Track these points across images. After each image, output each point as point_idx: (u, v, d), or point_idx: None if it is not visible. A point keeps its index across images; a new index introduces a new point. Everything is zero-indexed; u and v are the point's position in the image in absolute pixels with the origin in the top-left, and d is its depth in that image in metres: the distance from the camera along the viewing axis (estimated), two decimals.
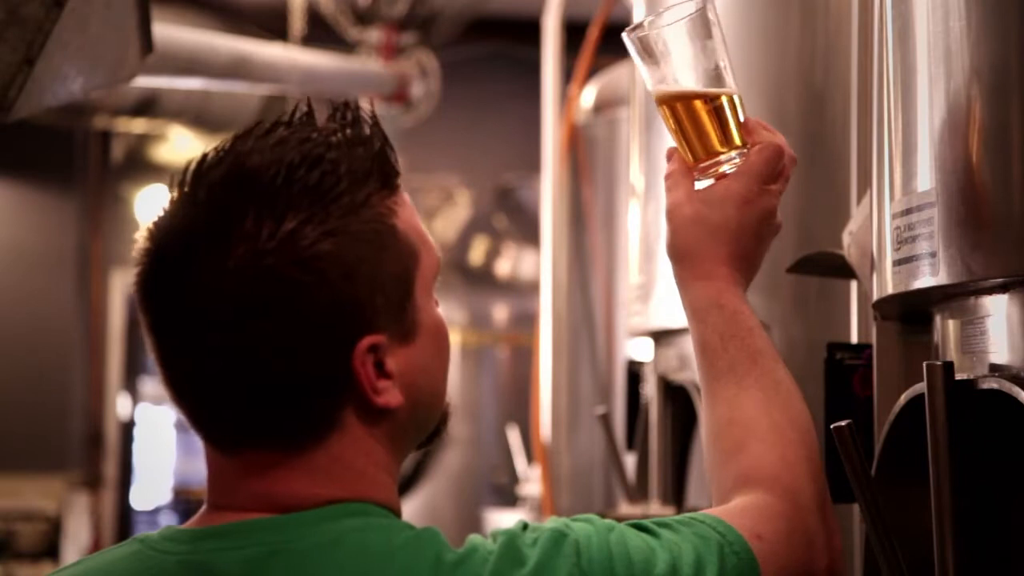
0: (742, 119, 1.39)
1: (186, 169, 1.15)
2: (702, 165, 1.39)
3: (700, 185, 1.39)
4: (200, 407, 1.15)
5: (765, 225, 1.38)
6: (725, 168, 1.38)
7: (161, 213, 1.15)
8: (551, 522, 1.16)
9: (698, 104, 1.38)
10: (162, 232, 1.15)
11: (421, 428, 1.21)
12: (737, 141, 1.39)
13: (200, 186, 1.13)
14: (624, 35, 1.38)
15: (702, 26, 1.37)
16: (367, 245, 1.13)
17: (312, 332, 1.11)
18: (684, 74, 1.38)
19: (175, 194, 1.15)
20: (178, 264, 1.12)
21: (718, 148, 1.39)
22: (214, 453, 1.17)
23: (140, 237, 1.16)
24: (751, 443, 1.29)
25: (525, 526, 1.15)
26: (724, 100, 1.38)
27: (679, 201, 1.38)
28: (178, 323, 1.13)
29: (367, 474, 1.15)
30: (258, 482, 1.14)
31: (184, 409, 1.16)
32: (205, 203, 1.13)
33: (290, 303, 1.10)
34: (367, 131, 1.17)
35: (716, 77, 1.38)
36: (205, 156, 1.15)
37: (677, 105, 1.39)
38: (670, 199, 1.39)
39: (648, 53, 1.37)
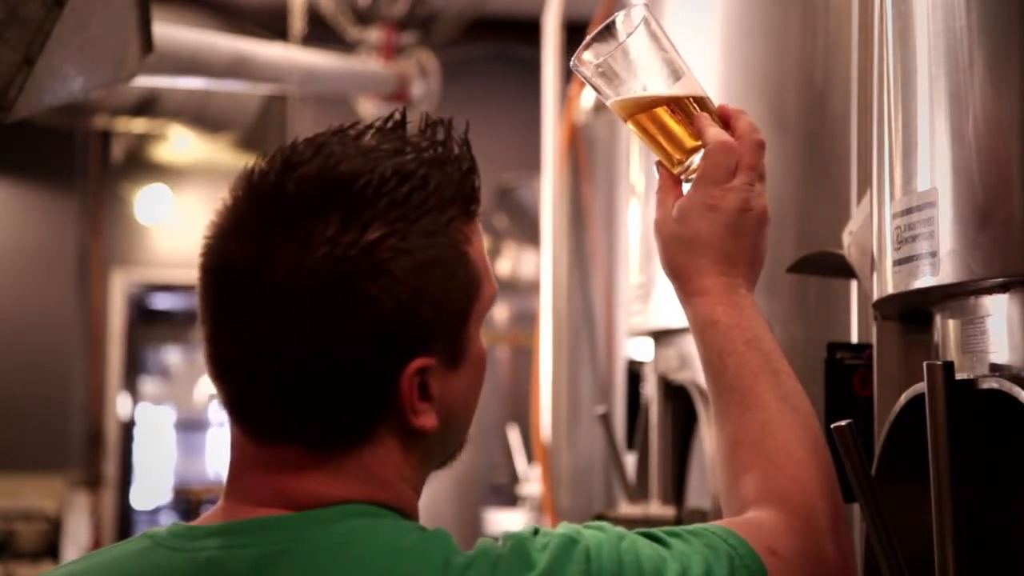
0: (703, 116, 1.37)
1: (273, 157, 1.14)
2: (676, 171, 1.39)
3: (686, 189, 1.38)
4: (243, 395, 1.15)
5: (744, 222, 1.34)
6: (694, 165, 1.38)
7: (240, 193, 1.14)
8: (562, 528, 1.16)
9: (642, 116, 1.37)
10: (243, 213, 1.13)
11: (445, 451, 1.22)
12: (688, 144, 1.37)
13: (289, 178, 1.12)
14: (575, 66, 1.38)
15: (647, 36, 1.36)
16: (439, 269, 1.14)
17: (370, 344, 1.11)
18: (628, 87, 1.37)
19: (258, 180, 1.14)
20: (256, 247, 1.11)
21: (676, 154, 1.38)
22: (243, 440, 1.16)
23: (215, 211, 1.15)
24: (757, 466, 1.27)
25: (536, 531, 1.15)
26: (663, 109, 1.37)
27: (659, 219, 1.37)
28: (240, 302, 1.12)
29: (391, 485, 1.16)
30: (281, 478, 1.14)
31: (224, 389, 1.15)
32: (293, 196, 1.12)
33: (356, 312, 1.10)
34: (456, 151, 1.17)
35: (675, 81, 1.37)
36: (296, 146, 1.14)
37: (631, 117, 1.38)
38: (655, 217, 1.38)
39: (596, 76, 1.37)
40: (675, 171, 1.39)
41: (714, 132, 1.35)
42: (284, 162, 1.13)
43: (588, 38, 1.37)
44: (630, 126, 1.40)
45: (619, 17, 1.36)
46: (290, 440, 1.14)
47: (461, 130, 1.18)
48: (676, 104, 1.37)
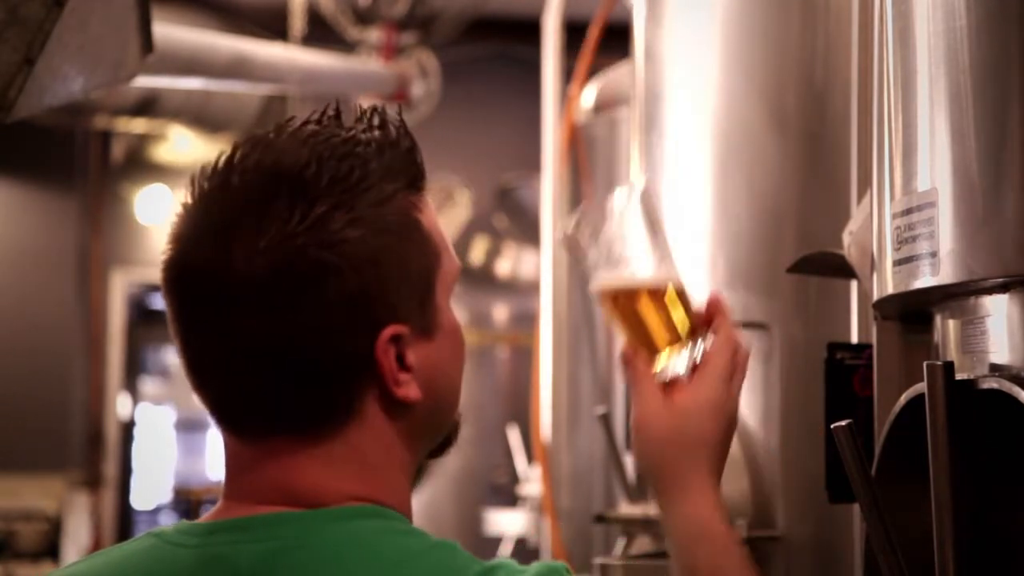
0: (691, 306, 1.31)
1: (216, 160, 1.16)
2: (659, 365, 1.30)
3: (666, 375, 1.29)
4: (224, 391, 1.16)
5: (734, 426, 1.30)
6: (685, 359, 1.29)
7: (190, 200, 1.16)
8: None
9: (645, 298, 1.30)
10: (193, 217, 1.16)
11: (435, 431, 1.22)
12: (666, 337, 1.30)
13: (233, 173, 1.15)
14: (562, 240, 1.35)
15: (640, 219, 1.31)
16: (393, 236, 1.15)
17: (338, 315, 1.12)
18: (630, 268, 1.31)
19: (205, 184, 1.16)
20: (210, 246, 1.13)
21: (662, 344, 1.30)
22: (234, 442, 1.17)
23: (170, 223, 1.17)
24: None
25: (567, 569, 1.14)
26: (672, 290, 1.29)
27: (646, 414, 1.29)
28: (207, 304, 1.14)
29: (384, 471, 1.16)
30: (277, 473, 1.15)
31: (207, 395, 1.16)
32: (239, 188, 1.14)
33: (319, 285, 1.12)
34: (394, 134, 1.18)
35: (661, 267, 1.30)
36: (236, 147, 1.17)
37: (623, 301, 1.31)
38: (637, 411, 1.29)
39: (585, 253, 1.34)
40: (657, 364, 1.29)
41: (727, 327, 1.30)
42: (226, 162, 1.16)
43: (580, 214, 1.35)
44: (609, 311, 1.32)
45: (618, 194, 1.33)
46: (277, 432, 1.15)
47: (396, 115, 1.20)
48: (660, 295, 1.30)
